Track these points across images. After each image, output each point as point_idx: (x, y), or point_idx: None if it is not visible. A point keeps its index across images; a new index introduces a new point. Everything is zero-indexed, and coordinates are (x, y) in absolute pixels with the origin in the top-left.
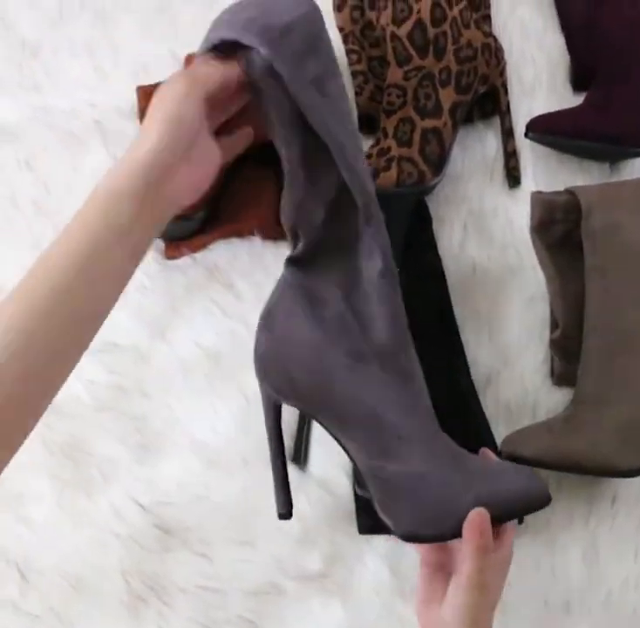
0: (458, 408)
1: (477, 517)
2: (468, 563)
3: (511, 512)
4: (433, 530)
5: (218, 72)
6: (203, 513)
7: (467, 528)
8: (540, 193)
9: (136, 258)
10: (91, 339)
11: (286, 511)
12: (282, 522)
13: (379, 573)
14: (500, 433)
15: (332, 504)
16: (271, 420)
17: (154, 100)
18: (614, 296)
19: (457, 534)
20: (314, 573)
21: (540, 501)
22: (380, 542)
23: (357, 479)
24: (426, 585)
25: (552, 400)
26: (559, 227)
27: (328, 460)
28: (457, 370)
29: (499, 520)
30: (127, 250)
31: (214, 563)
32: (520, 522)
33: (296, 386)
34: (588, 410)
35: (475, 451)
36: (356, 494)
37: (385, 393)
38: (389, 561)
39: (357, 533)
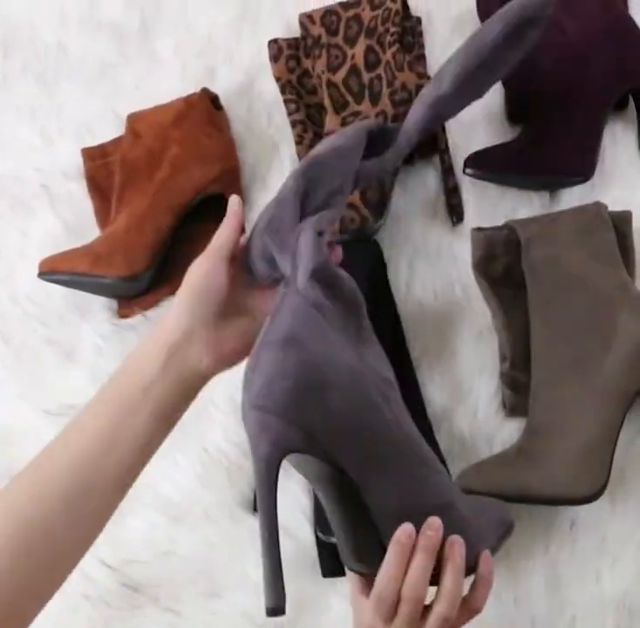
0: None
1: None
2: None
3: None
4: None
5: (227, 228)
6: (170, 568)
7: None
8: (480, 229)
9: (164, 424)
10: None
11: (278, 606)
12: (248, 570)
13: (344, 615)
14: (456, 467)
15: (295, 550)
16: (268, 485)
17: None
18: (557, 327)
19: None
20: (282, 619)
21: (509, 530)
22: (344, 584)
23: (319, 524)
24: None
25: (506, 432)
26: (500, 262)
27: (288, 506)
28: (414, 411)
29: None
30: (152, 415)
31: (183, 617)
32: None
33: (332, 420)
34: (540, 441)
35: None
36: (317, 539)
37: (412, 424)
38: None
39: (321, 577)
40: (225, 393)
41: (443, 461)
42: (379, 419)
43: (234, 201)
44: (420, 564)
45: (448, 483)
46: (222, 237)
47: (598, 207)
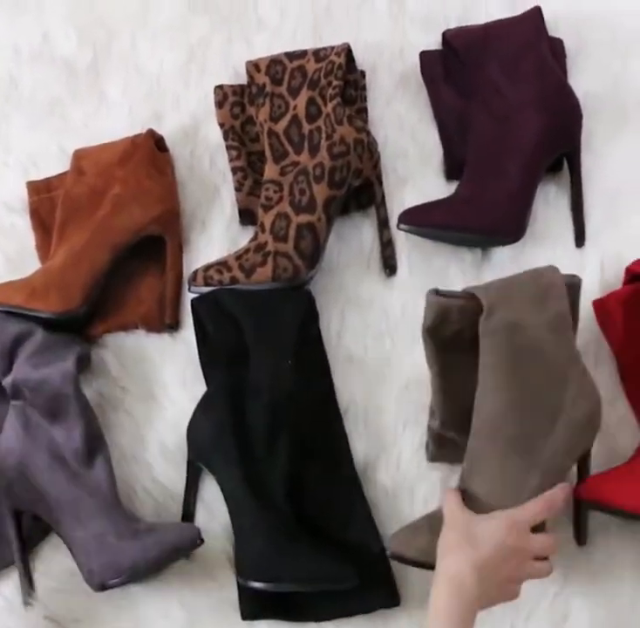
0: (340, 497)
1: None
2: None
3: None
4: None
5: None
6: (93, 602)
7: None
8: (437, 292)
9: None
10: None
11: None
12: (169, 610)
13: None
14: (380, 518)
15: (217, 592)
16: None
17: None
18: (510, 400)
19: None
20: None
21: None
22: (263, 626)
23: (238, 568)
24: None
25: (428, 483)
26: (452, 326)
27: (212, 549)
28: (340, 459)
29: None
30: None
31: None
32: (397, 603)
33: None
34: (476, 509)
35: (358, 539)
36: (238, 582)
37: None
38: None
39: (241, 619)
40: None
41: (369, 514)
42: None
43: None
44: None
45: None
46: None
47: (553, 272)
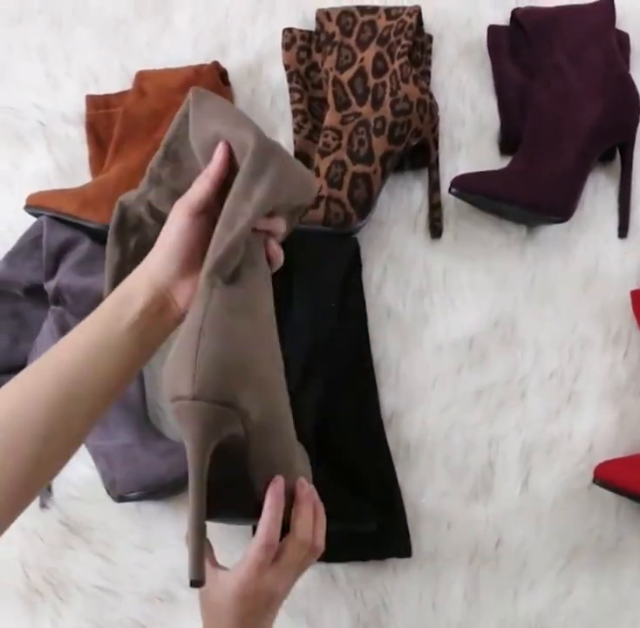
0: (367, 444)
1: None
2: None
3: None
4: None
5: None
6: (108, 513)
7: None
8: None
9: (144, 350)
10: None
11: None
12: (182, 530)
13: None
14: (398, 468)
15: None
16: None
17: None
18: None
19: None
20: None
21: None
22: None
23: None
24: None
25: (451, 443)
26: None
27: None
28: (369, 408)
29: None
30: (134, 340)
31: (112, 564)
32: (409, 555)
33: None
34: None
35: (377, 488)
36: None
37: None
38: None
39: None
40: None
41: (391, 464)
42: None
43: (220, 150)
44: (305, 512)
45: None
46: (196, 193)
47: None
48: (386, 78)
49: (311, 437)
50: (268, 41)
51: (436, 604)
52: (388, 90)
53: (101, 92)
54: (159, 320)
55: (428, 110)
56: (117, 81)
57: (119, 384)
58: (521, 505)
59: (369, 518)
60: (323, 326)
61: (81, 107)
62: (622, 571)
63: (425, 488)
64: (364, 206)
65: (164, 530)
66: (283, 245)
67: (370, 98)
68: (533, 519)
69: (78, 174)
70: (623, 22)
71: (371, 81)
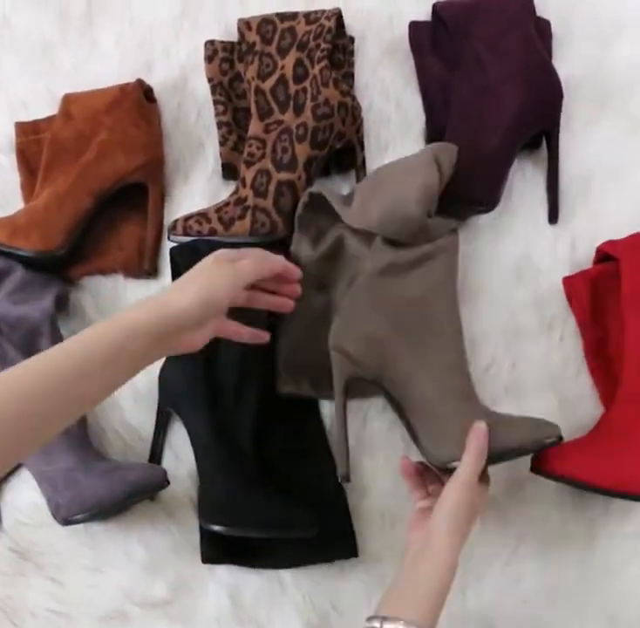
0: (306, 450)
1: (480, 426)
2: (466, 466)
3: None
4: None
5: (259, 269)
6: (57, 537)
7: (471, 432)
8: None
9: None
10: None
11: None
12: (130, 549)
13: (220, 601)
14: None
15: (178, 533)
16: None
17: (200, 272)
18: None
19: None
20: (159, 600)
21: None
22: (222, 571)
23: (201, 512)
24: (417, 524)
25: (392, 443)
26: None
27: (176, 492)
28: (308, 414)
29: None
30: (127, 367)
31: (64, 588)
32: (355, 554)
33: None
34: None
35: (319, 491)
36: (200, 526)
37: None
38: (229, 589)
39: (201, 562)
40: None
41: (333, 464)
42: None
43: (285, 266)
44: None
45: None
46: (252, 270)
47: None
48: (307, 83)
49: (250, 448)
50: (193, 54)
51: None
52: (309, 95)
53: (31, 118)
54: (162, 350)
55: (350, 112)
56: (46, 106)
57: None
58: None
59: (308, 524)
60: None
61: (11, 135)
62: (567, 558)
63: (369, 488)
64: (291, 213)
65: (113, 550)
66: None
67: (291, 104)
68: None
69: (11, 201)
70: (544, 9)
71: (292, 88)
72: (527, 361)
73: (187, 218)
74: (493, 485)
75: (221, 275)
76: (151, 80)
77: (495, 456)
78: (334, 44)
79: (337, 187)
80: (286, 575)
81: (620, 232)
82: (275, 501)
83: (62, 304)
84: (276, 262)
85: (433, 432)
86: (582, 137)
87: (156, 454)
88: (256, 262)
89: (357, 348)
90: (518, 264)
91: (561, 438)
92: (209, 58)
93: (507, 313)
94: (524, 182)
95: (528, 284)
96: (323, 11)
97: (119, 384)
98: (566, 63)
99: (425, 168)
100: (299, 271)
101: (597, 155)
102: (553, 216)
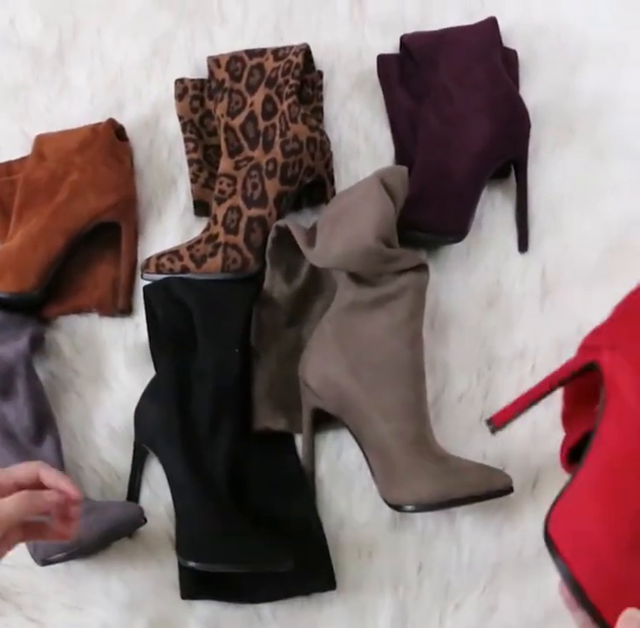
0: (282, 484)
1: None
2: None
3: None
4: None
5: (23, 508)
6: (36, 576)
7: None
8: None
9: None
10: None
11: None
12: (110, 586)
13: None
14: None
15: (158, 570)
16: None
17: None
18: None
19: None
20: None
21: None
22: (201, 606)
23: (179, 548)
24: None
25: (367, 474)
26: None
27: (154, 529)
28: (283, 447)
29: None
30: None
31: (44, 627)
32: (333, 587)
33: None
34: None
35: (295, 524)
36: (178, 562)
37: None
38: (209, 625)
39: (180, 598)
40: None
41: (310, 496)
42: None
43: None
44: None
45: None
46: (16, 512)
47: None
48: (276, 119)
49: (226, 483)
50: (164, 93)
51: None
52: (278, 131)
53: (4, 160)
54: None
55: (319, 147)
56: (19, 147)
57: None
58: (440, 528)
59: (284, 558)
60: (228, 373)
61: None
62: (544, 582)
63: (345, 520)
64: (262, 248)
65: (93, 588)
66: (185, 297)
67: (261, 141)
68: (452, 541)
69: None
70: (511, 39)
71: (262, 124)
72: (500, 390)
73: (159, 256)
74: (468, 511)
75: None
76: (122, 119)
77: (445, 504)
78: (302, 79)
79: (308, 222)
80: (265, 608)
81: (589, 258)
82: (252, 535)
83: (37, 344)
84: (48, 495)
85: (385, 472)
86: (549, 164)
87: (134, 492)
88: (20, 500)
89: (317, 384)
90: (489, 292)
91: (511, 488)
92: (179, 96)
93: (479, 341)
94: (493, 211)
95: (500, 312)
96: (291, 47)
97: None
98: (533, 90)
99: (375, 196)
100: (79, 494)
101: (565, 182)
102: (523, 244)
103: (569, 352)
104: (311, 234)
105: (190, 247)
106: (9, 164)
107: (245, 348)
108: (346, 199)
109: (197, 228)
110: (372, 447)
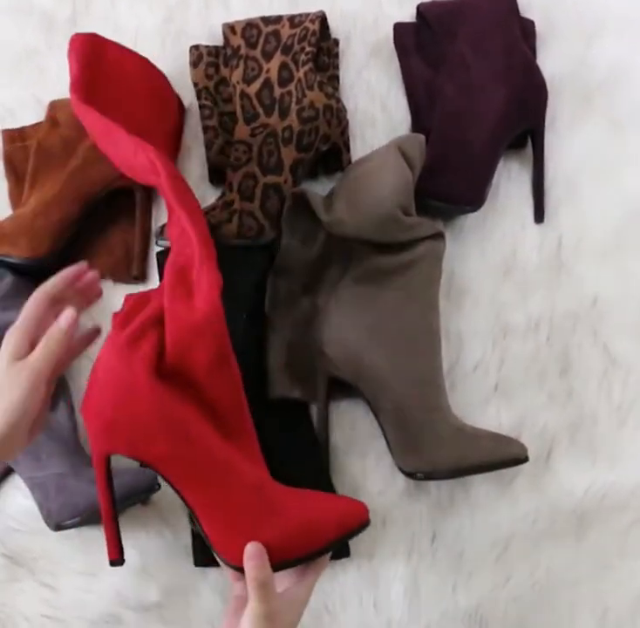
0: (296, 454)
1: (252, 550)
2: (251, 595)
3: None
4: None
5: (52, 356)
6: (50, 542)
7: (245, 561)
8: None
9: None
10: None
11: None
12: (125, 551)
13: (213, 604)
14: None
15: (171, 537)
16: None
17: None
18: None
19: None
20: (152, 604)
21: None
22: (214, 574)
23: (191, 515)
24: (230, 618)
25: (381, 442)
26: None
27: (166, 495)
28: (297, 416)
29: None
30: None
31: (58, 593)
32: (347, 554)
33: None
34: None
35: None
36: (191, 529)
37: None
38: (222, 592)
39: (193, 565)
40: None
41: (325, 466)
42: None
43: (64, 318)
44: None
45: None
46: (42, 359)
47: None
48: (292, 86)
49: None
50: (178, 60)
51: (377, 603)
52: (294, 98)
53: (17, 125)
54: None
55: (335, 115)
56: (32, 113)
57: None
58: (454, 497)
59: None
60: (235, 338)
61: None
62: (557, 554)
63: (359, 489)
64: (277, 216)
65: (104, 553)
66: None
67: (276, 108)
68: (466, 510)
69: (0, 209)
70: (528, 9)
71: (277, 91)
72: (515, 360)
73: None
74: (483, 481)
75: (15, 386)
76: None
77: (460, 471)
78: (319, 46)
79: (324, 190)
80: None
81: (605, 229)
82: None
83: None
84: (65, 336)
85: (401, 440)
86: (566, 136)
87: None
88: (46, 348)
89: (334, 352)
90: (505, 263)
91: (527, 457)
92: (194, 63)
93: (494, 312)
94: (510, 182)
95: (515, 282)
96: (308, 14)
97: None
98: (550, 61)
99: (393, 164)
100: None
101: (582, 154)
102: (539, 215)
103: (584, 323)
104: (328, 201)
105: (205, 213)
106: (22, 130)
107: (254, 314)
108: (363, 167)
109: (211, 195)
110: (388, 414)
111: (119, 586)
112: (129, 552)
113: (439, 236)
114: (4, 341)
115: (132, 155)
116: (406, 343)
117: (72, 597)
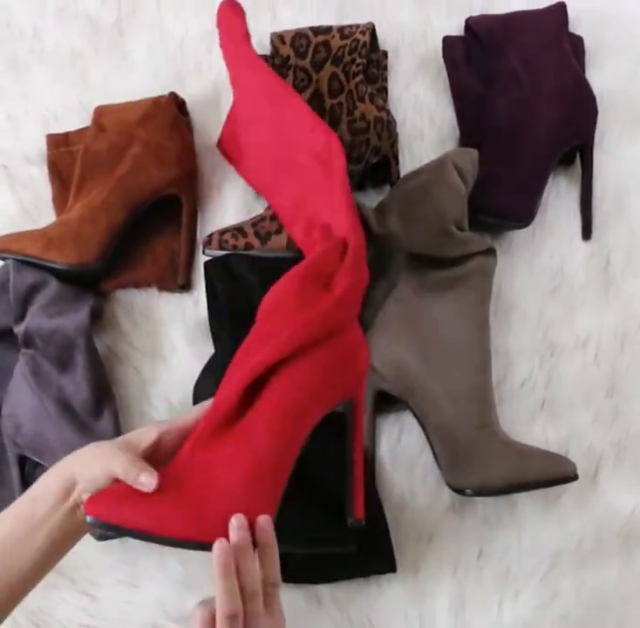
0: (343, 465)
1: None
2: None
3: None
4: None
5: (152, 434)
6: (92, 551)
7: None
8: None
9: (56, 549)
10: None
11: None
12: (166, 562)
13: None
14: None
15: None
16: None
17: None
18: None
19: None
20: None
21: None
22: None
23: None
24: None
25: (429, 457)
26: None
27: None
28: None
29: None
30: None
31: (98, 603)
32: (394, 569)
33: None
34: None
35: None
36: None
37: None
38: None
39: None
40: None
41: (371, 480)
42: None
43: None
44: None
45: None
46: (144, 439)
47: None
48: (342, 98)
49: None
50: (224, 68)
51: (422, 618)
52: (345, 110)
53: (62, 130)
54: (72, 519)
55: (386, 127)
56: (77, 118)
57: (34, 577)
58: (501, 514)
59: (347, 539)
60: None
61: (42, 147)
62: (604, 573)
63: (406, 503)
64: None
65: (148, 564)
66: (247, 274)
67: (327, 119)
68: (513, 527)
69: (43, 214)
70: (577, 25)
71: (328, 102)
72: (562, 377)
73: (222, 232)
74: (529, 498)
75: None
76: (183, 93)
77: (511, 488)
78: (368, 58)
79: (372, 202)
80: (323, 589)
81: None
82: (313, 515)
83: (96, 317)
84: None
85: (450, 456)
86: (615, 153)
87: None
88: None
89: (383, 366)
90: (552, 280)
91: (576, 476)
92: None
93: (541, 329)
94: (558, 198)
95: (563, 300)
96: (358, 26)
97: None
98: (598, 79)
99: (447, 178)
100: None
101: (631, 171)
102: (586, 232)
103: (632, 343)
104: (379, 214)
105: (254, 224)
106: (67, 135)
107: None
108: (416, 180)
109: (257, 205)
110: (437, 429)
111: (161, 597)
112: (171, 563)
113: (491, 252)
114: None
115: (308, 128)
116: (456, 358)
117: (113, 606)
